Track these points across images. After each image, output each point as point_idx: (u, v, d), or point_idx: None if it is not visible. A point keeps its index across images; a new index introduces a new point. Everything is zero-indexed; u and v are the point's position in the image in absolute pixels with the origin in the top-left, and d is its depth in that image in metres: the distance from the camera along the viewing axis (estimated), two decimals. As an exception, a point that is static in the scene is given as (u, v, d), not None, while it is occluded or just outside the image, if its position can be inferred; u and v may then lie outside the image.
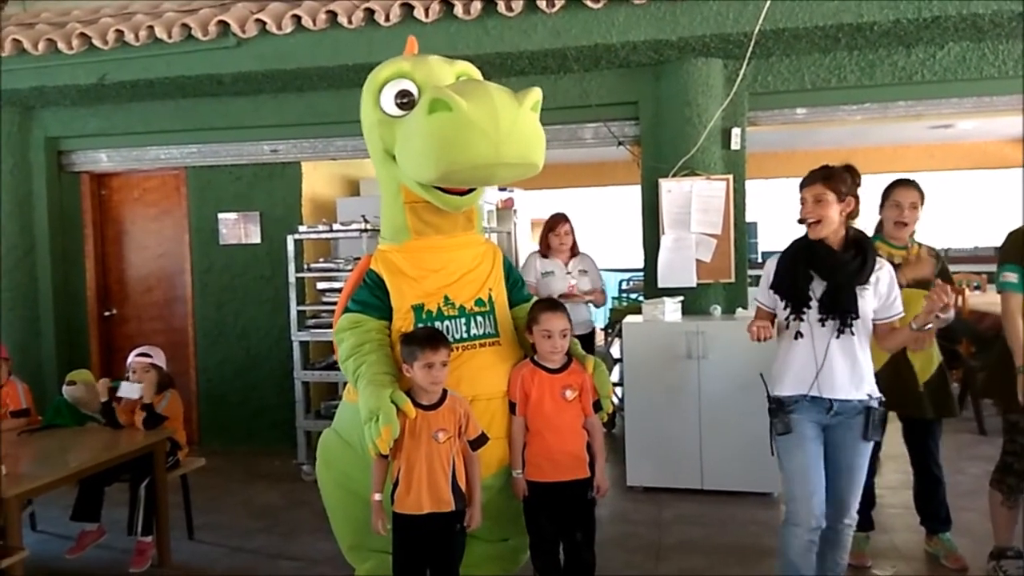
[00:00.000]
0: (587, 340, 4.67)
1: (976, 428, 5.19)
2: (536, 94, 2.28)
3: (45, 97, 5.15)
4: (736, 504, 3.96)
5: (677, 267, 4.56)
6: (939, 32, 4.14)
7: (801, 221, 2.61)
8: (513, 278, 2.81)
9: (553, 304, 2.68)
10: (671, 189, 4.53)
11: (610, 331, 5.84)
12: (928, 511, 3.28)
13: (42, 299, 5.50)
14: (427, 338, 2.38)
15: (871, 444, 2.56)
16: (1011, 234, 2.98)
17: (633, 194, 4.94)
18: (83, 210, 5.67)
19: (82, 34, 4.62)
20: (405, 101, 2.50)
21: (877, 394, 2.55)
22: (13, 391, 3.76)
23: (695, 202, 4.50)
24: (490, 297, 2.65)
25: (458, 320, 2.55)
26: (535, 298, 2.93)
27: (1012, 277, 2.88)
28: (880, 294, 2.56)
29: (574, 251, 4.79)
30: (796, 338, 2.57)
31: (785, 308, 2.61)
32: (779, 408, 2.59)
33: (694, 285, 4.53)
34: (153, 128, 5.35)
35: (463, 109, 2.16)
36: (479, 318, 2.60)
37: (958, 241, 8.33)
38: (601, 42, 4.21)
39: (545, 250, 4.76)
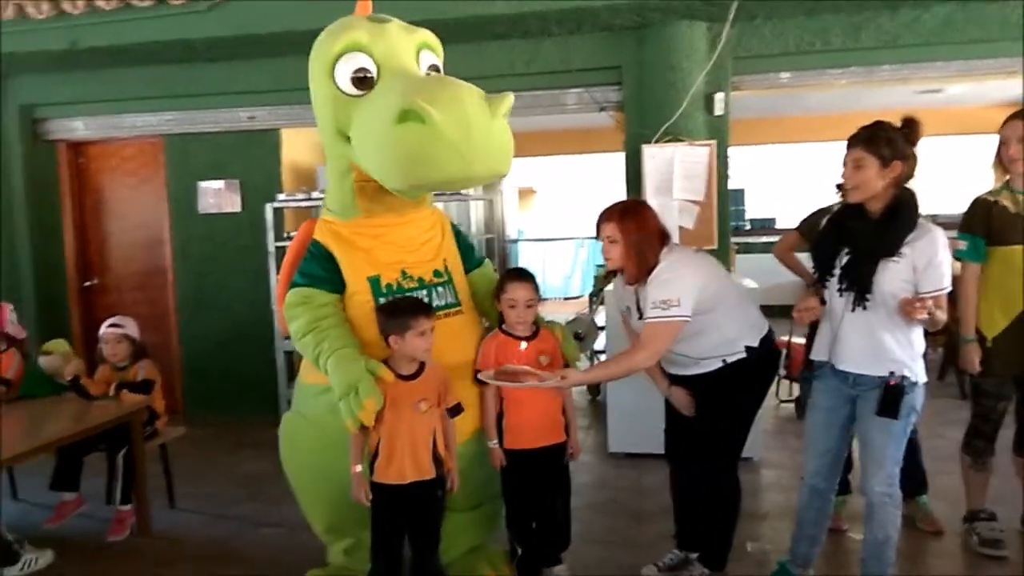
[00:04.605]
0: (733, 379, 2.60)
1: (958, 393, 5.23)
2: (509, 101, 2.12)
3: (17, 64, 5.04)
4: (717, 469, 3.98)
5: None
6: (925, -7, 4.09)
7: (839, 187, 2.49)
8: (464, 244, 2.76)
9: (520, 273, 2.64)
10: (654, 155, 4.48)
11: (595, 299, 5.82)
12: (904, 474, 3.28)
13: (21, 270, 5.46)
14: (418, 305, 2.37)
15: (894, 422, 2.38)
16: (972, 202, 2.98)
17: (617, 161, 4.89)
18: (60, 179, 5.59)
19: (51, -1, 4.52)
20: (363, 78, 2.31)
21: (905, 372, 2.37)
22: (8, 361, 3.65)
23: (678, 168, 4.46)
24: (446, 267, 2.61)
25: (419, 292, 2.49)
26: (487, 260, 2.88)
27: (961, 245, 2.91)
28: (917, 266, 2.33)
29: (639, 262, 2.52)
30: (823, 304, 2.53)
31: (814, 272, 2.58)
32: (808, 371, 2.64)
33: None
34: (128, 95, 5.26)
35: (436, 123, 2.00)
36: (440, 288, 2.55)
37: (948, 207, 8.34)
38: (583, 5, 4.14)
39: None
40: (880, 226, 2.39)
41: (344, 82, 2.33)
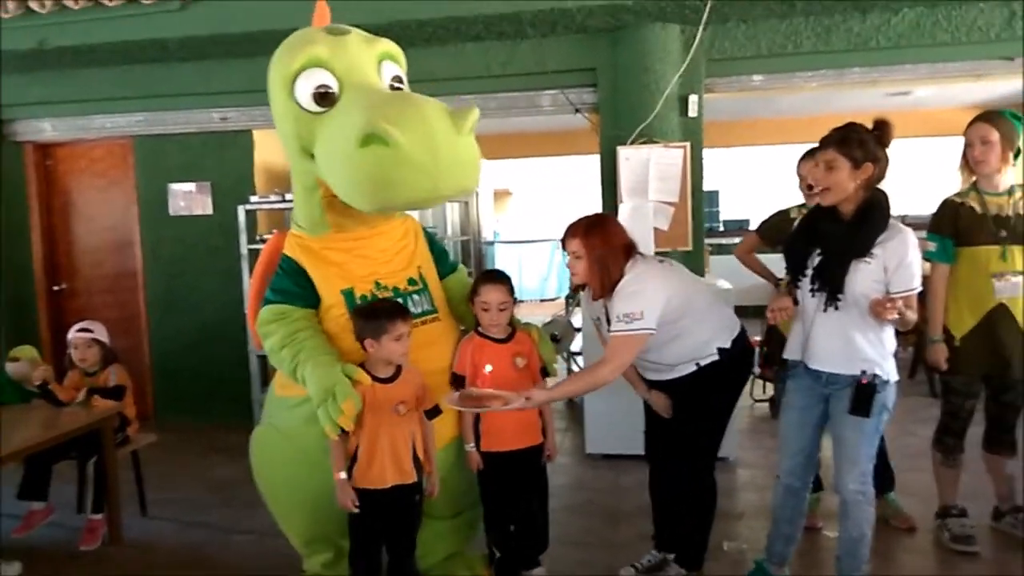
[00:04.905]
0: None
1: (928, 392, 5.31)
2: (474, 115, 2.08)
3: (-17, 63, 4.94)
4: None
5: (635, 235, 4.49)
6: (894, -3, 4.14)
7: (810, 188, 2.49)
8: (437, 249, 2.74)
9: (494, 276, 2.64)
10: (629, 157, 4.50)
11: (571, 301, 5.83)
12: (873, 472, 3.33)
13: (-14, 274, 5.34)
14: (394, 309, 2.35)
15: (867, 420, 2.40)
16: (940, 204, 3.03)
17: (593, 163, 4.90)
18: (28, 182, 5.48)
19: (18, -4, 4.43)
20: (324, 94, 2.25)
21: (876, 371, 2.39)
22: None
23: (652, 170, 4.47)
24: (420, 274, 2.59)
25: None
26: (461, 265, 2.88)
27: (931, 246, 2.95)
28: (888, 266, 2.35)
29: (603, 278, 2.55)
30: (795, 304, 2.54)
31: (787, 273, 2.60)
32: (783, 370, 2.66)
33: (651, 253, 4.52)
34: (98, 96, 5.16)
35: (400, 145, 1.96)
36: (415, 296, 2.53)
37: (916, 208, 8.48)
38: (557, 6, 4.14)
39: None
40: (852, 227, 2.41)
41: (305, 99, 2.27)
